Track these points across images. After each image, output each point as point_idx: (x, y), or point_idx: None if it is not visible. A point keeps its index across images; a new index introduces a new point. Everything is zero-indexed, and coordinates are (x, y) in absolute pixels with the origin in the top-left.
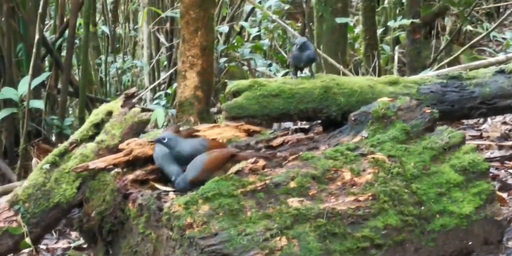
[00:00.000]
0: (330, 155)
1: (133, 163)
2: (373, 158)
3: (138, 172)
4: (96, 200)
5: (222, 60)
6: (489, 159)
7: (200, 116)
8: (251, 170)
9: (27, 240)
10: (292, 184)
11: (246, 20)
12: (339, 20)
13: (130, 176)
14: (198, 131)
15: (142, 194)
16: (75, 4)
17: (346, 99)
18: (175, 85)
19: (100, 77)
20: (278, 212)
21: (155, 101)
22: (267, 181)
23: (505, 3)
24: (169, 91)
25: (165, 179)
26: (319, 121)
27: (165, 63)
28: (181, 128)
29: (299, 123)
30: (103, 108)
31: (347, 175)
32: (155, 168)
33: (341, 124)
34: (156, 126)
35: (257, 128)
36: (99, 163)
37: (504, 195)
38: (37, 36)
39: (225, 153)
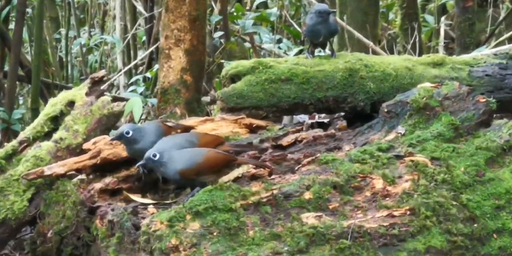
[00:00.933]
0: (356, 158)
1: (101, 168)
2: (412, 161)
3: (108, 180)
4: (53, 215)
5: (217, 34)
6: None
7: (188, 107)
8: (254, 177)
9: None
10: (307, 195)
11: None
12: None
13: (98, 185)
14: (186, 127)
15: (113, 208)
16: None
17: (376, 85)
18: (156, 67)
19: (60, 57)
20: (289, 231)
21: (131, 88)
22: (275, 191)
23: None
24: (148, 74)
25: (143, 188)
26: (342, 114)
27: (144, 38)
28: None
29: (316, 116)
30: (62, 97)
31: (378, 183)
32: (131, 174)
33: (370, 118)
34: (131, 120)
35: (262, 123)
36: (58, 168)
37: None
38: None
39: (226, 156)
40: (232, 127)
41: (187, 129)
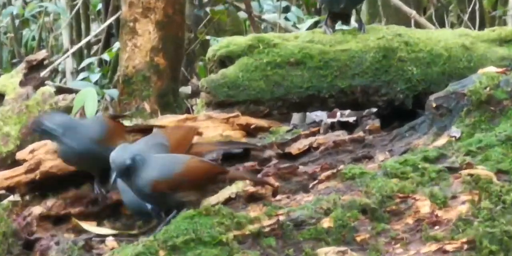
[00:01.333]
0: (393, 171)
1: (41, 186)
2: (471, 175)
3: (51, 202)
4: None
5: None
6: None
7: (161, 101)
8: (253, 198)
9: None
10: (326, 223)
11: None
12: None
13: (37, 209)
14: (157, 127)
15: (58, 242)
16: None
17: (421, 70)
18: (116, 46)
19: None
20: None
21: (81, 75)
22: (282, 218)
23: None
24: (106, 56)
25: (99, 213)
26: (374, 110)
27: (99, 6)
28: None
29: (338, 114)
30: None
31: (424, 206)
32: (82, 194)
33: (412, 115)
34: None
35: (263, 123)
36: None
37: None
38: None
39: (214, 167)
40: (222, 129)
41: (148, 129)
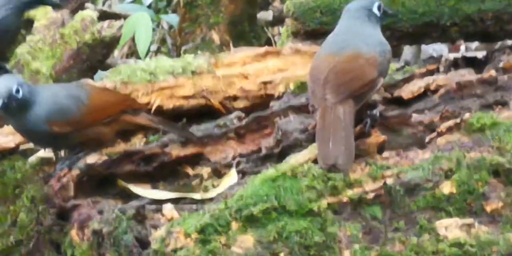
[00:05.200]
0: None
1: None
2: None
3: (93, 159)
4: None
5: None
6: None
7: (234, 30)
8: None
9: None
10: (447, 188)
11: None
12: None
13: (75, 170)
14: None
15: (102, 210)
16: None
17: None
18: None
19: None
20: (414, 253)
21: None
22: (389, 180)
23: None
24: None
25: (154, 173)
26: (510, 42)
27: None
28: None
29: (462, 47)
30: None
31: None
32: (132, 150)
33: None
34: (132, 53)
35: None
36: (2, 138)
37: None
38: None
39: (124, 96)
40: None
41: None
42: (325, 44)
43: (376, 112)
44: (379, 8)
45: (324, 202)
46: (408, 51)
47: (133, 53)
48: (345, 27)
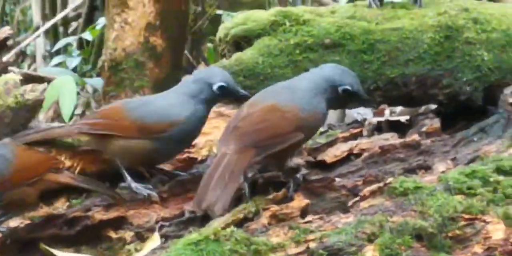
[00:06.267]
0: (457, 185)
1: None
2: None
3: (15, 223)
4: None
5: None
6: None
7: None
8: (277, 218)
9: None
10: (370, 252)
11: None
12: None
13: None
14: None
15: None
16: None
17: (494, 56)
18: (100, 22)
19: None
20: None
21: (56, 59)
22: (313, 244)
23: None
24: (87, 35)
25: (77, 237)
26: (433, 107)
27: None
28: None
29: (387, 111)
30: None
31: (497, 231)
32: (56, 214)
33: (482, 113)
34: (58, 116)
35: None
36: None
37: None
38: None
39: (48, 156)
40: None
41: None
42: (256, 94)
43: (299, 176)
44: (344, 90)
45: None
46: (332, 114)
47: (58, 116)
48: (287, 83)
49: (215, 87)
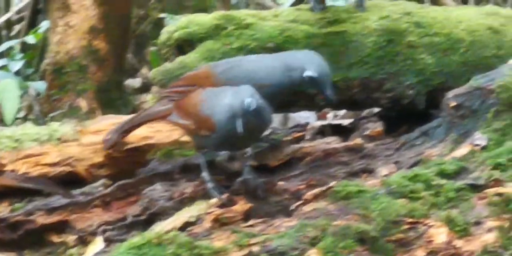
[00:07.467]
0: (400, 189)
1: None
2: (499, 194)
3: None
4: None
5: None
6: None
7: (102, 97)
8: (219, 222)
9: None
10: (314, 255)
11: None
12: None
13: None
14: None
15: None
16: None
17: (437, 59)
18: (43, 25)
19: None
20: None
21: None
22: (255, 248)
23: None
24: (30, 39)
25: (19, 241)
26: (376, 110)
27: None
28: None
29: (329, 115)
30: None
31: (440, 234)
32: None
33: (425, 117)
34: (0, 121)
35: None
36: None
37: None
38: None
39: None
40: (179, 133)
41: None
42: None
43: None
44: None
45: None
46: (275, 118)
47: (1, 120)
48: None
49: (305, 74)
